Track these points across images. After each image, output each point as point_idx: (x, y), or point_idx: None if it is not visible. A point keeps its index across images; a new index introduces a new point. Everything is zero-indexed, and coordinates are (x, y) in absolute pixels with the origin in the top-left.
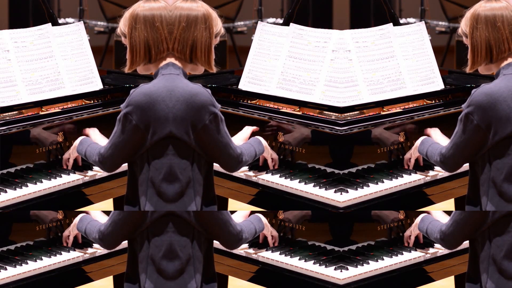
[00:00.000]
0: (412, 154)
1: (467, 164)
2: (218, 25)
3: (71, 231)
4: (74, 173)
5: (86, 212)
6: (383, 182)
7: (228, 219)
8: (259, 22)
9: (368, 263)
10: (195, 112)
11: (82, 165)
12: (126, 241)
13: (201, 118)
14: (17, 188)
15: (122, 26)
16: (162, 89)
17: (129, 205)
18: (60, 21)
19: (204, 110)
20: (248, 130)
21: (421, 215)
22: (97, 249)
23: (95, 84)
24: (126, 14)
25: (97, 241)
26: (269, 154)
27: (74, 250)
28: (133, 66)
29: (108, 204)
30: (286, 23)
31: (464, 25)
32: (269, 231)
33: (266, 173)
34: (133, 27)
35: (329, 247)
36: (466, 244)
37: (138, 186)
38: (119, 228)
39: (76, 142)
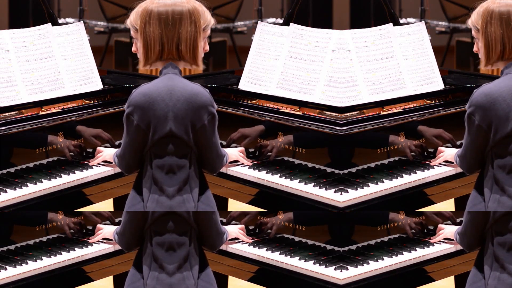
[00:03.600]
0: (445, 155)
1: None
2: (207, 18)
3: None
4: (74, 173)
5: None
6: (383, 182)
7: (217, 219)
8: (259, 22)
9: (368, 263)
10: (195, 111)
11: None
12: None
13: (201, 118)
14: (17, 188)
15: (133, 19)
16: (162, 88)
17: (135, 191)
18: (60, 21)
19: (204, 110)
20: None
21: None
22: (97, 249)
23: (95, 84)
24: (139, 9)
25: (117, 242)
26: (237, 155)
27: (74, 250)
28: (147, 62)
29: (108, 204)
30: (286, 23)
31: (475, 19)
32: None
33: (266, 173)
34: (146, 22)
35: (329, 247)
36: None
37: (142, 182)
38: (129, 228)
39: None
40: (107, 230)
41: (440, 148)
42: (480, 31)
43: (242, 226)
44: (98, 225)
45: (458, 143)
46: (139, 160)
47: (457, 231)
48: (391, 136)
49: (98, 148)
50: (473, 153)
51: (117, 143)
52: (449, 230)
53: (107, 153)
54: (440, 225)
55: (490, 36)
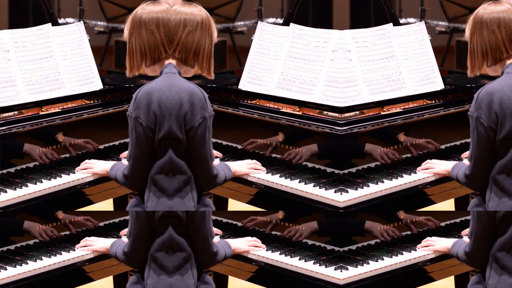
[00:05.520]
0: (437, 169)
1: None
2: (215, 32)
3: (94, 248)
4: (74, 173)
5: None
6: (383, 182)
7: (208, 235)
8: (259, 22)
9: (368, 263)
10: (188, 109)
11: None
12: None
13: (192, 118)
14: (17, 188)
15: (125, 29)
16: (165, 88)
17: (138, 196)
18: (60, 21)
19: (196, 109)
20: (244, 168)
21: (453, 241)
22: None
23: (95, 84)
24: (130, 17)
25: (125, 262)
26: (246, 173)
27: (74, 250)
28: (132, 70)
29: (108, 204)
30: (286, 23)
31: (467, 29)
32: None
33: (266, 173)
34: (131, 32)
35: (329, 247)
36: None
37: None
38: (140, 242)
39: (107, 166)
40: (98, 245)
41: (428, 161)
42: (468, 40)
43: (253, 238)
44: (87, 239)
45: (458, 142)
46: (150, 168)
47: (466, 252)
48: (391, 136)
49: (87, 161)
50: (485, 161)
51: (116, 143)
52: (441, 244)
53: (99, 168)
54: (428, 238)
55: (473, 44)
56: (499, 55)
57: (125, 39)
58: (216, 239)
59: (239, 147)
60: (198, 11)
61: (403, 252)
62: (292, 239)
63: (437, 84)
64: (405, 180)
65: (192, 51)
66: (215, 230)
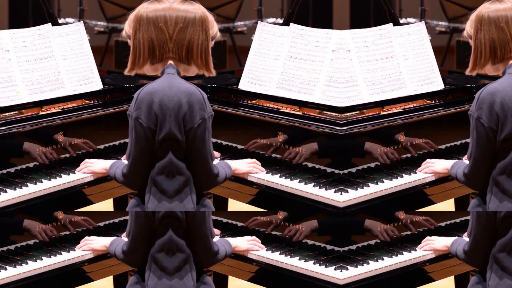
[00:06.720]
0: (436, 168)
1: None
2: (214, 29)
3: (94, 247)
4: (74, 173)
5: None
6: (383, 182)
7: (208, 235)
8: (259, 22)
9: (368, 263)
10: (186, 111)
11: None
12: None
13: (192, 119)
14: (17, 188)
15: (127, 28)
16: (167, 88)
17: (138, 197)
18: (60, 21)
19: (195, 111)
20: (244, 166)
21: (452, 239)
22: None
23: (95, 84)
24: (131, 16)
25: (124, 261)
26: (246, 171)
27: (74, 250)
28: (134, 68)
29: (108, 204)
30: (286, 23)
31: (469, 27)
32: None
33: (266, 173)
34: (137, 29)
35: (329, 247)
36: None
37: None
38: (139, 241)
39: (106, 164)
40: (98, 244)
41: (428, 160)
42: (472, 38)
43: (253, 237)
44: (87, 238)
45: (458, 143)
46: (149, 169)
47: (465, 250)
48: (391, 136)
49: (87, 160)
50: (486, 161)
51: (116, 143)
52: (440, 243)
53: (98, 166)
54: (428, 237)
55: (480, 41)
56: (506, 52)
57: (124, 38)
58: (216, 238)
59: (239, 147)
60: (194, 9)
61: (403, 252)
62: (292, 239)
63: (437, 84)
64: (405, 180)
65: (185, 48)
66: (214, 230)
